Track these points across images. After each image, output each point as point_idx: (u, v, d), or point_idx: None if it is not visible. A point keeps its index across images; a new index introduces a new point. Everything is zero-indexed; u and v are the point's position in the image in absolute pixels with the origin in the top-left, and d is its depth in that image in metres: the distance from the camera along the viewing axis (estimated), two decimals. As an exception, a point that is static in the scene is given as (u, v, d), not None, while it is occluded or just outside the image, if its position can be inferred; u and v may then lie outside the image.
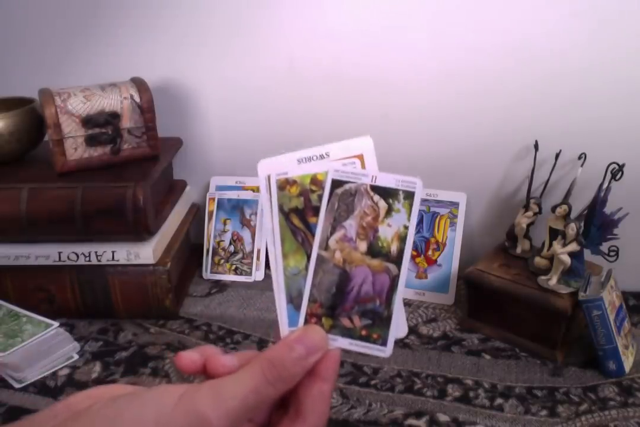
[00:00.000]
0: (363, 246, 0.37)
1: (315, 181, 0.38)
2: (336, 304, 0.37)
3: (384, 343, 0.37)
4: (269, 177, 0.38)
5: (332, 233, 0.37)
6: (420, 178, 0.37)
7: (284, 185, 0.38)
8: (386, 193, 0.37)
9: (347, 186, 0.37)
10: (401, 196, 0.37)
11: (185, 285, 0.92)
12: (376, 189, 0.37)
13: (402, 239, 0.37)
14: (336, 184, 0.37)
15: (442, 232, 0.90)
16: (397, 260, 0.37)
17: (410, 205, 0.37)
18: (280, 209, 0.38)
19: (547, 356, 0.75)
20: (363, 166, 0.38)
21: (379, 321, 0.37)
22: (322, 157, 0.38)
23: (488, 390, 0.70)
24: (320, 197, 0.38)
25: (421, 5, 0.82)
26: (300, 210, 0.38)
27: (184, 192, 0.97)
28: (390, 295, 0.37)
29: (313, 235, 0.37)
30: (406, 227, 0.37)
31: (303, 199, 0.38)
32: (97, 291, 0.82)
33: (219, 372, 0.34)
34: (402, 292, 0.37)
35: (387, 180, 0.37)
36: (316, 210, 0.37)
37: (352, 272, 0.37)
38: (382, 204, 0.37)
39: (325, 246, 0.37)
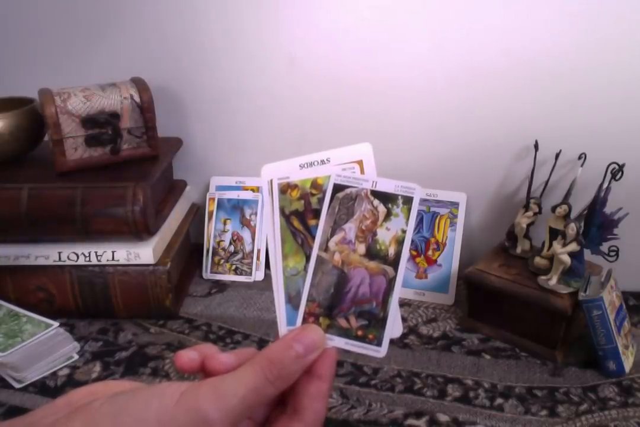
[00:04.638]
0: (362, 248, 0.38)
1: (316, 185, 0.39)
2: (334, 304, 0.38)
3: (379, 344, 0.37)
4: (271, 181, 0.39)
5: (332, 235, 0.38)
6: (418, 184, 0.38)
7: (286, 189, 0.39)
8: (385, 198, 0.38)
9: (348, 191, 0.39)
10: (400, 201, 0.38)
11: (185, 285, 0.93)
12: (376, 194, 0.38)
13: (400, 243, 0.38)
14: (338, 188, 0.39)
15: (442, 232, 0.90)
16: (394, 263, 0.38)
17: (409, 210, 0.38)
18: (282, 211, 0.39)
19: (547, 356, 0.75)
20: (362, 171, 0.39)
21: (375, 322, 0.38)
22: (323, 162, 0.39)
23: (488, 390, 0.70)
24: (320, 200, 0.39)
25: (422, 5, 0.82)
26: (300, 213, 0.39)
27: (184, 192, 0.97)
28: (386, 297, 0.38)
29: (312, 237, 0.38)
30: (404, 231, 0.38)
31: (303, 202, 0.39)
32: (97, 291, 0.82)
33: (217, 370, 0.35)
34: (398, 294, 0.38)
35: (386, 185, 0.38)
36: (316, 213, 0.39)
37: (350, 273, 0.38)
38: (382, 209, 0.38)
39: (325, 247, 0.38)
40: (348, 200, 0.38)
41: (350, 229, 0.38)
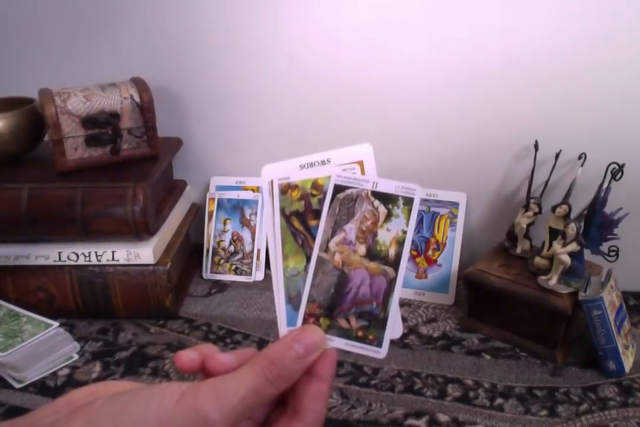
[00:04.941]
0: (362, 249, 0.38)
1: (316, 186, 0.39)
2: (334, 305, 0.38)
3: (379, 344, 0.37)
4: (271, 182, 0.39)
5: (332, 236, 0.38)
6: (418, 184, 0.38)
7: (286, 189, 0.39)
8: (386, 199, 0.38)
9: (348, 191, 0.38)
10: (400, 202, 0.38)
11: (185, 285, 0.93)
12: (376, 195, 0.38)
13: (400, 243, 0.38)
14: (338, 189, 0.38)
15: (442, 232, 0.90)
16: (395, 263, 0.38)
17: (409, 211, 0.38)
18: (282, 212, 0.39)
19: (547, 356, 0.75)
20: (363, 172, 0.39)
21: (375, 323, 0.37)
22: (323, 163, 0.39)
23: (488, 390, 0.70)
24: (320, 201, 0.39)
25: (421, 4, 0.82)
26: (300, 213, 0.39)
27: (184, 192, 0.97)
28: (386, 297, 0.38)
29: (313, 237, 0.38)
30: (404, 232, 0.38)
31: (304, 203, 0.39)
32: (97, 291, 0.82)
33: (217, 370, 0.34)
34: (398, 295, 0.38)
35: (387, 186, 0.38)
36: (316, 214, 0.39)
37: (351, 274, 0.38)
38: (382, 209, 0.38)
39: (325, 248, 0.38)
40: (349, 201, 0.38)
41: (350, 229, 0.38)
